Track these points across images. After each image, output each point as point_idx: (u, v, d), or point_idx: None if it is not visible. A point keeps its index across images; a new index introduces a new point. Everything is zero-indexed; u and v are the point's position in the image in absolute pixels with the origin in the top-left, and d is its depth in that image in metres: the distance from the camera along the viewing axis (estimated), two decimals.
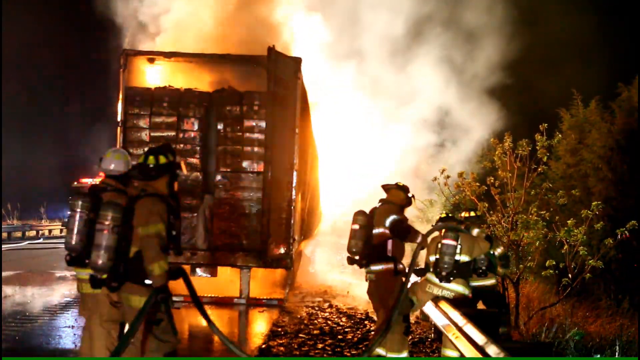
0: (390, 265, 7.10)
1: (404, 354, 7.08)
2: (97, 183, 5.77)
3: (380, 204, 7.47)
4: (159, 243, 4.91)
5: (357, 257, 7.32)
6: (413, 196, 7.61)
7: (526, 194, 10.89)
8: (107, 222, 4.87)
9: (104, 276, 5.01)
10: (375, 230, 7.20)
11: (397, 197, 7.39)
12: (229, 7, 15.03)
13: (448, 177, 11.19)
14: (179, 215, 5.26)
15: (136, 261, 4.97)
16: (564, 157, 13.15)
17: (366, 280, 7.42)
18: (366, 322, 10.44)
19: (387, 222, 7.10)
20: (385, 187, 7.59)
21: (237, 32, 14.22)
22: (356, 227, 7.25)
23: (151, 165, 5.11)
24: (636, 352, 8.32)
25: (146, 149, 5.69)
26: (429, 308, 7.03)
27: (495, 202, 11.21)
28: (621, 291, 11.23)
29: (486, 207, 10.88)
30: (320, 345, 8.62)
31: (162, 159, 5.15)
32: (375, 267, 7.21)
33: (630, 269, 11.46)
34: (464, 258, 6.72)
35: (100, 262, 4.88)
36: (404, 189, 7.49)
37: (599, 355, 8.30)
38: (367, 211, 7.41)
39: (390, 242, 7.13)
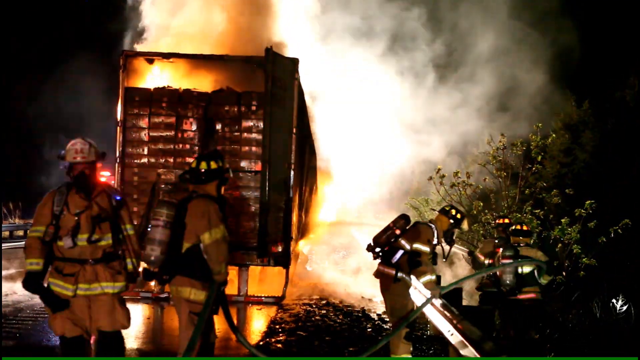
0: (392, 271, 7.24)
1: (405, 356, 7.25)
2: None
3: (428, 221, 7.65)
4: (227, 246, 5.35)
5: (376, 250, 7.49)
6: (458, 221, 7.48)
7: (520, 193, 11.07)
8: (162, 219, 5.19)
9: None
10: (400, 239, 7.27)
11: (440, 221, 7.36)
12: (228, 8, 15.13)
13: (444, 176, 11.35)
14: (226, 216, 5.59)
15: (187, 256, 5.31)
16: (558, 156, 13.31)
17: (375, 276, 7.65)
18: (362, 319, 10.57)
19: (412, 245, 7.11)
20: (437, 210, 7.74)
21: (236, 32, 14.33)
22: (391, 225, 7.37)
23: (203, 170, 5.50)
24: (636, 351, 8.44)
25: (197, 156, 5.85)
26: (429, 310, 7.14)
27: (490, 200, 11.39)
28: (614, 288, 11.36)
29: (481, 206, 11.05)
30: (317, 343, 8.75)
31: (213, 165, 5.53)
32: (380, 267, 7.43)
33: (624, 267, 11.60)
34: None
35: (153, 255, 5.17)
36: (449, 214, 7.39)
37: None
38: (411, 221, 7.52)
39: (400, 252, 7.19)
